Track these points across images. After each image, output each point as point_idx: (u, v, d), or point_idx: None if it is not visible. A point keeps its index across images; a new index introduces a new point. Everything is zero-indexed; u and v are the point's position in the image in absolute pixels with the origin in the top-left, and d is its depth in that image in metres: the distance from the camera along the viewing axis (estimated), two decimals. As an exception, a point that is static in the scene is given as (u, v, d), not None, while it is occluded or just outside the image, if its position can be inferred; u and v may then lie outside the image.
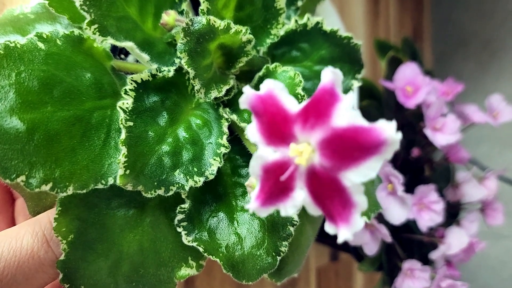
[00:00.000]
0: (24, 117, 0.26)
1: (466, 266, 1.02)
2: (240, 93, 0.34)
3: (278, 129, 0.20)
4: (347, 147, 0.19)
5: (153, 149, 0.29)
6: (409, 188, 0.55)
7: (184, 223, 0.30)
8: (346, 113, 0.19)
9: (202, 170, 0.30)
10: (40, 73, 0.27)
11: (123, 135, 0.27)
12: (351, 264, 0.81)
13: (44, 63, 0.28)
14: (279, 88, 0.20)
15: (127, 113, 0.28)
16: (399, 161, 0.59)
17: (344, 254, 0.80)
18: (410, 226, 0.60)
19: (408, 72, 0.57)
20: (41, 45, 0.28)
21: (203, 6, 0.30)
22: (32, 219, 0.29)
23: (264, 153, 0.20)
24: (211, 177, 0.29)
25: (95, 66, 0.30)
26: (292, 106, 0.20)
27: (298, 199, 0.20)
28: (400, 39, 0.73)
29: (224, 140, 0.31)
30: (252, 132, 0.20)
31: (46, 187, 0.26)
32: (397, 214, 0.50)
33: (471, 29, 1.04)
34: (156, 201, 0.31)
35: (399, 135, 0.18)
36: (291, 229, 0.31)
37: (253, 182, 0.25)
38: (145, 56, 0.30)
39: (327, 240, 0.74)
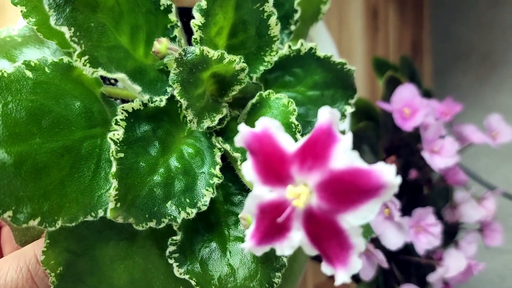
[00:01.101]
0: (11, 150, 0.25)
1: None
2: (232, 120, 0.34)
3: (274, 169, 0.20)
4: (346, 190, 0.19)
5: (145, 180, 0.28)
6: (408, 208, 0.54)
7: (176, 255, 0.29)
8: (344, 155, 0.19)
9: (195, 201, 0.29)
10: (28, 103, 0.27)
11: (114, 168, 0.26)
12: (349, 283, 0.80)
13: (32, 93, 0.27)
14: (275, 127, 0.20)
15: (118, 144, 0.27)
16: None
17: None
18: (408, 248, 0.60)
19: (406, 93, 0.57)
20: (29, 73, 0.28)
21: (196, 35, 0.30)
22: (16, 252, 0.29)
23: (260, 193, 0.20)
24: (204, 208, 0.29)
25: (84, 94, 0.30)
26: (289, 145, 0.20)
27: (295, 239, 0.20)
28: (399, 53, 0.72)
29: (217, 171, 0.31)
30: (248, 170, 0.20)
31: (34, 222, 0.25)
32: (394, 239, 0.50)
33: (470, 42, 1.04)
34: (147, 231, 0.30)
35: (398, 179, 0.18)
36: (284, 259, 0.31)
37: (247, 215, 0.25)
38: (137, 88, 0.30)
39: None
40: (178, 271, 0.29)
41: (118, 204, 0.26)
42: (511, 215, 0.92)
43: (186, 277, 0.29)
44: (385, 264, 0.50)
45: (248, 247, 0.20)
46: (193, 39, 0.30)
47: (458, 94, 0.67)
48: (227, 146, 0.31)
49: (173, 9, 0.32)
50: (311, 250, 0.20)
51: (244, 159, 0.29)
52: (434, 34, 1.09)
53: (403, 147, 0.62)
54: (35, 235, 0.31)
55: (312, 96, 0.36)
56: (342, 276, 0.19)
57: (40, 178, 0.26)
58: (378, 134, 0.58)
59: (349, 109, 0.36)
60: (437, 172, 0.62)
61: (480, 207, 0.62)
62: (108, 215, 0.26)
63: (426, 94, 0.64)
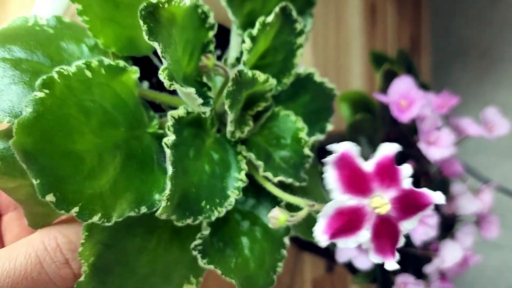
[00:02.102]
0: (75, 148, 0.27)
1: (463, 277, 1.01)
2: (252, 130, 0.39)
3: (357, 182, 0.26)
4: (409, 205, 0.27)
5: (187, 181, 0.31)
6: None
7: (200, 247, 0.33)
8: (407, 179, 0.26)
9: (223, 201, 0.33)
10: (89, 103, 0.29)
11: (170, 171, 0.29)
12: (346, 275, 0.81)
13: (90, 93, 0.29)
14: (356, 150, 0.26)
15: (171, 149, 0.30)
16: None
17: (340, 266, 0.80)
18: (404, 239, 0.60)
19: (403, 85, 0.57)
20: (88, 74, 0.29)
21: (245, 57, 0.34)
22: (25, 239, 0.30)
23: (341, 199, 0.26)
24: (230, 208, 0.33)
25: (129, 96, 0.32)
26: (365, 165, 0.26)
27: (365, 237, 0.26)
28: (398, 49, 0.73)
29: (242, 175, 0.35)
30: (331, 180, 0.26)
31: (95, 218, 0.28)
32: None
33: (469, 38, 1.04)
34: (169, 225, 0.33)
35: (443, 199, 0.26)
36: (284, 251, 0.36)
37: (277, 215, 0.30)
38: (199, 100, 0.32)
39: (323, 252, 0.74)
40: (202, 261, 0.32)
41: (168, 203, 0.29)
42: (509, 211, 0.92)
43: (211, 267, 0.32)
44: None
45: (323, 240, 0.25)
46: (243, 61, 0.34)
47: (456, 90, 0.68)
48: (251, 155, 0.35)
49: (215, 28, 0.35)
50: (367, 244, 0.26)
51: (267, 169, 0.35)
52: (433, 30, 1.09)
53: (400, 140, 0.62)
54: (46, 222, 0.32)
55: (304, 113, 0.41)
56: (392, 263, 0.27)
57: (101, 176, 0.28)
58: (376, 127, 0.59)
59: (329, 126, 0.42)
60: (434, 165, 0.62)
61: (476, 200, 0.62)
62: (159, 212, 0.29)
63: (423, 87, 0.65)
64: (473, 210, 0.62)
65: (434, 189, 0.64)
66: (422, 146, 0.55)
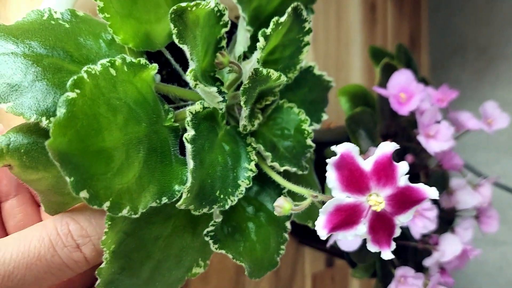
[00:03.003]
0: (101, 145, 0.28)
1: (462, 272, 1.01)
2: (260, 122, 0.40)
3: (356, 181, 0.28)
4: (404, 200, 0.28)
5: (203, 173, 0.33)
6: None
7: (212, 233, 0.35)
8: (404, 177, 0.28)
9: (235, 190, 0.35)
10: (115, 101, 0.30)
11: (191, 165, 0.31)
12: (346, 270, 0.81)
13: (115, 91, 0.30)
14: (355, 150, 0.28)
15: (190, 143, 0.32)
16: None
17: (340, 260, 0.80)
18: (404, 233, 0.60)
19: (402, 79, 0.57)
20: (113, 72, 0.30)
21: (259, 55, 0.36)
22: (38, 224, 0.32)
23: (340, 197, 0.28)
24: (241, 196, 0.35)
25: (149, 92, 0.33)
26: (365, 164, 0.28)
27: (362, 230, 0.28)
28: (397, 43, 0.73)
29: (252, 165, 0.37)
30: (331, 180, 0.28)
31: (125, 212, 0.29)
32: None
33: (468, 36, 1.04)
34: (183, 213, 0.35)
35: (437, 194, 0.28)
36: (286, 235, 0.39)
37: (282, 204, 0.32)
38: (219, 98, 0.35)
39: (323, 246, 0.74)
40: (214, 246, 0.35)
41: (188, 195, 0.31)
42: (509, 207, 0.92)
43: (223, 251, 0.35)
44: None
45: (322, 234, 0.28)
46: (257, 59, 0.36)
47: (455, 87, 0.68)
48: (260, 146, 0.38)
49: (229, 25, 0.36)
50: (366, 236, 0.29)
51: (274, 159, 0.37)
52: (432, 28, 1.09)
53: (400, 133, 0.62)
54: (63, 210, 0.34)
55: (302, 104, 0.44)
56: (388, 253, 0.29)
57: (128, 171, 0.29)
58: (375, 120, 0.59)
59: (325, 116, 0.45)
60: (434, 158, 0.62)
61: (476, 193, 0.62)
62: (180, 203, 0.31)
63: (423, 82, 0.64)
64: (473, 204, 0.62)
65: (434, 183, 0.64)
66: (421, 139, 0.56)
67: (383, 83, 0.60)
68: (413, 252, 0.64)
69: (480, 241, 0.67)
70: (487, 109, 0.63)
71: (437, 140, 0.56)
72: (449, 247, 0.58)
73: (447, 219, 0.67)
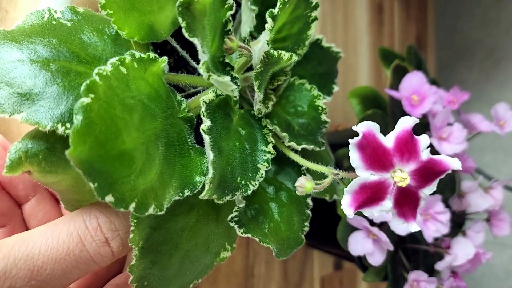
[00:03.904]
0: (120, 147, 0.27)
1: (471, 275, 1.00)
2: (275, 104, 0.41)
3: (379, 159, 0.28)
4: (427, 173, 0.28)
5: (224, 162, 0.33)
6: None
7: (236, 219, 0.35)
8: (426, 150, 0.28)
9: (255, 174, 0.35)
10: (130, 100, 0.29)
11: (211, 157, 0.31)
12: (355, 273, 0.80)
13: (128, 90, 0.29)
14: (376, 128, 0.28)
15: (207, 133, 0.32)
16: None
17: (348, 263, 0.79)
18: (415, 236, 0.59)
19: (414, 81, 0.57)
20: (124, 70, 0.29)
21: (268, 37, 0.36)
22: (66, 217, 0.31)
23: (364, 175, 0.28)
24: (261, 179, 0.35)
25: (160, 85, 0.33)
26: (387, 141, 0.28)
27: (388, 206, 0.28)
28: (404, 48, 0.72)
29: (269, 147, 0.37)
30: (355, 159, 0.28)
31: (151, 210, 0.28)
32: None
33: (475, 37, 1.04)
34: (205, 201, 0.35)
35: (460, 164, 0.28)
36: (308, 211, 0.39)
37: (304, 183, 0.33)
38: (233, 86, 0.34)
39: (331, 249, 0.73)
40: (239, 231, 0.34)
41: (211, 185, 0.31)
42: (517, 210, 0.91)
43: (249, 235, 0.34)
44: (390, 246, 0.50)
45: (349, 213, 0.28)
46: (266, 41, 0.36)
47: (463, 89, 0.67)
48: (276, 128, 0.37)
49: (234, 7, 0.35)
50: (391, 211, 0.29)
51: (291, 139, 0.37)
52: (439, 29, 1.09)
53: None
54: (82, 206, 0.33)
55: (313, 77, 0.44)
56: (414, 226, 0.29)
57: (150, 170, 0.29)
58: (386, 122, 0.58)
59: (336, 88, 0.45)
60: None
61: (487, 196, 0.61)
62: (203, 194, 0.31)
63: (433, 83, 0.64)
64: (484, 207, 0.62)
65: (444, 186, 0.63)
66: (434, 142, 0.55)
67: (395, 85, 0.59)
68: (424, 256, 0.63)
69: (488, 245, 0.66)
70: (499, 111, 0.62)
71: (450, 143, 0.55)
72: (462, 251, 0.57)
73: (457, 222, 0.66)
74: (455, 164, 0.28)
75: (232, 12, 0.35)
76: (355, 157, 0.28)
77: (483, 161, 0.98)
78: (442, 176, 0.29)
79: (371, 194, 0.28)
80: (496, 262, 0.97)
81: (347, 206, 0.28)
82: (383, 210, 0.29)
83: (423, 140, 0.28)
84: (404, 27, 0.97)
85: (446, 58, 1.08)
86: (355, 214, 0.29)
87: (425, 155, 0.28)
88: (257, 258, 0.67)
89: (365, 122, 0.28)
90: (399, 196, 0.29)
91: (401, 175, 0.28)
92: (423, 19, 1.03)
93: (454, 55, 1.07)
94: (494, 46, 1.02)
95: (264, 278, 0.68)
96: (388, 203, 0.29)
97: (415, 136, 0.28)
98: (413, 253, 0.62)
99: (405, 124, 0.28)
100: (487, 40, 1.03)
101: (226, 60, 0.36)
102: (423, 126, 0.59)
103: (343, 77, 0.83)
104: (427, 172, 0.28)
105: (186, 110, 0.35)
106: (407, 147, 0.28)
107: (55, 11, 0.33)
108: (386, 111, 0.61)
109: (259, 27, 0.40)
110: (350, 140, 0.28)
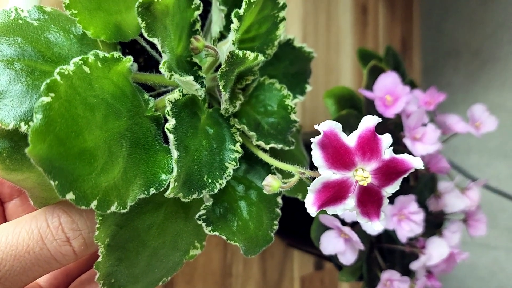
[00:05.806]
0: (83, 145, 0.28)
1: (454, 277, 1.01)
2: (241, 102, 0.41)
3: (341, 158, 0.28)
4: (389, 172, 0.29)
5: (189, 161, 0.34)
6: (392, 197, 0.54)
7: (204, 217, 0.35)
8: (388, 149, 0.29)
9: (222, 173, 0.35)
10: (92, 99, 0.29)
11: (176, 155, 0.32)
12: (336, 273, 0.80)
13: (91, 89, 0.30)
14: (338, 128, 0.29)
15: (173, 133, 0.32)
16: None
17: (329, 264, 0.79)
18: (391, 236, 0.59)
19: (388, 81, 0.57)
20: (87, 69, 0.30)
21: (234, 37, 0.36)
22: (28, 215, 0.32)
23: (327, 174, 0.29)
24: (229, 178, 0.36)
25: (126, 84, 0.33)
26: (349, 141, 0.29)
27: (350, 204, 0.29)
28: (386, 46, 0.73)
29: (237, 146, 0.37)
30: (317, 158, 0.29)
31: (113, 208, 0.29)
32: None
33: (460, 39, 1.04)
34: (173, 199, 0.36)
35: (421, 164, 0.28)
36: (278, 210, 0.39)
37: (271, 182, 0.33)
38: (197, 86, 0.35)
39: (311, 249, 0.73)
40: (207, 229, 0.35)
41: (176, 184, 0.31)
42: (501, 211, 0.92)
43: (216, 233, 0.35)
44: (361, 246, 0.51)
45: (312, 211, 0.28)
46: (232, 41, 0.36)
47: (448, 90, 0.67)
48: (244, 127, 0.38)
49: (201, 7, 0.36)
50: (355, 210, 0.30)
51: (259, 138, 0.37)
52: (424, 31, 1.09)
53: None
54: (50, 203, 0.34)
55: (286, 76, 0.45)
56: (378, 224, 0.30)
57: (112, 167, 0.29)
58: (361, 122, 0.58)
59: (309, 88, 0.46)
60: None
61: (464, 197, 0.61)
62: (168, 193, 0.31)
63: (410, 84, 0.64)
64: (461, 207, 0.62)
65: (423, 186, 0.64)
66: (407, 142, 0.55)
67: (370, 86, 0.60)
68: (400, 256, 0.63)
69: (472, 246, 0.66)
70: (475, 112, 0.63)
71: (423, 143, 0.56)
72: (436, 251, 0.58)
73: (435, 223, 0.66)
74: (417, 163, 0.29)
75: (199, 12, 0.36)
76: (317, 156, 0.29)
77: (468, 163, 0.98)
78: (405, 175, 0.29)
79: (334, 193, 0.29)
80: (480, 263, 0.97)
81: (310, 205, 0.29)
82: (346, 209, 0.29)
83: (385, 139, 0.29)
84: (389, 28, 0.97)
85: (431, 60, 1.09)
86: (320, 212, 0.30)
87: (387, 154, 0.29)
88: (235, 257, 0.67)
89: (327, 121, 0.29)
90: (362, 195, 0.29)
91: (363, 174, 0.28)
92: (408, 20, 1.03)
93: (440, 57, 1.08)
94: (480, 48, 1.03)
95: (242, 277, 0.68)
96: (351, 202, 0.29)
97: (378, 135, 0.29)
98: (389, 253, 0.63)
99: (368, 123, 0.29)
100: (473, 42, 1.04)
101: (194, 60, 0.37)
102: (398, 127, 0.60)
103: (325, 78, 0.83)
104: (389, 171, 0.29)
105: (153, 109, 0.35)
106: (369, 146, 0.28)
107: (22, 10, 0.33)
108: (361, 112, 0.61)
109: (228, 27, 0.40)
110: (312, 139, 0.28)
